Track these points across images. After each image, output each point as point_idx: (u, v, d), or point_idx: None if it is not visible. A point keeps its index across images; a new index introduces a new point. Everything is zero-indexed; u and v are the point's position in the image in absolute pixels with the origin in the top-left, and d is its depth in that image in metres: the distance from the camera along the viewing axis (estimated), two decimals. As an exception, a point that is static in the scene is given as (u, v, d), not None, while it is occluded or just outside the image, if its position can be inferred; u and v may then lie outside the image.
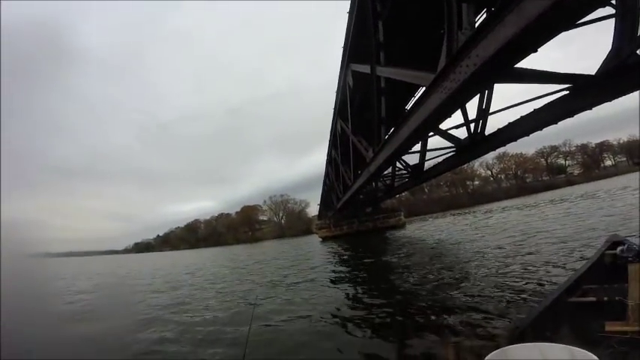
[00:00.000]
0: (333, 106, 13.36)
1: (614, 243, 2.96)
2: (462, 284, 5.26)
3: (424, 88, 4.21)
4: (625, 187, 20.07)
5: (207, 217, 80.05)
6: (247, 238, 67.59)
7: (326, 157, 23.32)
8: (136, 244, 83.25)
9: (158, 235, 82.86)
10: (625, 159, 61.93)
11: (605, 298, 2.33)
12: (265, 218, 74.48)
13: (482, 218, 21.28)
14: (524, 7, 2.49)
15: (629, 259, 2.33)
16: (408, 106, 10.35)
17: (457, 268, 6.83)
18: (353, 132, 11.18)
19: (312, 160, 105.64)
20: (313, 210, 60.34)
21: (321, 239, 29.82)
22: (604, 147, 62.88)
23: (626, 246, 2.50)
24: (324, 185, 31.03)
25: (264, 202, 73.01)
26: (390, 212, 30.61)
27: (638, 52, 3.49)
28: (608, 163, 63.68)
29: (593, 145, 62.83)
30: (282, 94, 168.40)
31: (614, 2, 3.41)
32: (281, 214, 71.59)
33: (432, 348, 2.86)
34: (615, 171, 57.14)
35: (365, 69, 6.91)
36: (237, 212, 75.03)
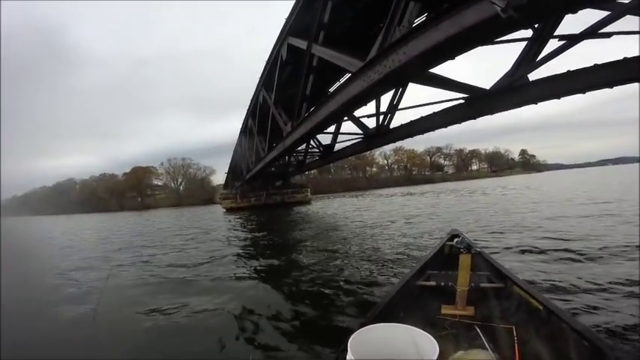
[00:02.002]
0: (260, 75, 12.87)
1: (453, 236, 3.21)
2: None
3: (349, 74, 4.63)
4: (473, 191, 25.97)
5: (86, 177, 65.23)
6: (135, 204, 58.65)
7: (241, 126, 22.31)
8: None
9: (14, 197, 63.28)
10: (486, 166, 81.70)
11: (442, 283, 2.56)
12: (160, 183, 65.41)
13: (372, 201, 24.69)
14: (464, 15, 2.67)
15: (461, 250, 2.57)
16: (331, 89, 10.89)
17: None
18: (274, 104, 11.12)
19: (225, 127, 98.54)
20: (218, 178, 56.77)
21: (225, 210, 28.72)
22: (474, 154, 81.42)
23: (460, 238, 2.75)
24: (234, 154, 29.66)
25: (162, 164, 63.65)
26: (298, 188, 31.40)
27: (528, 75, 4.05)
28: (474, 167, 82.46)
29: (467, 152, 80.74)
30: (206, 53, 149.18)
31: (535, 26, 3.69)
32: (180, 180, 64.14)
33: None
34: (477, 175, 75.41)
35: (302, 44, 6.90)
36: (125, 174, 63.90)
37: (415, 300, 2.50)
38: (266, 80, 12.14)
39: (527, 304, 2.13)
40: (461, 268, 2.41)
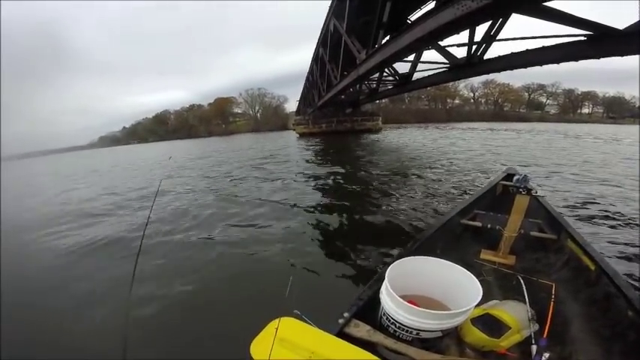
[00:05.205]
0: (330, 3, 11.84)
1: (510, 175, 2.91)
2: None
3: (435, 1, 3.87)
4: (579, 135, 21.15)
5: (178, 109, 73.65)
6: (220, 130, 65.47)
7: (312, 54, 21.46)
8: (101, 137, 75.64)
9: (124, 127, 75.66)
10: (602, 111, 63.51)
11: (489, 225, 2.34)
12: (240, 111, 70.63)
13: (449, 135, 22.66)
14: None
15: (520, 189, 2.23)
16: (413, 17, 9.42)
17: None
18: (347, 32, 10.28)
19: (296, 57, 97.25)
20: (291, 106, 58.42)
21: (298, 135, 30.07)
22: (589, 96, 63.27)
23: (522, 176, 2.36)
24: (306, 82, 29.39)
25: (240, 94, 68.30)
26: (369, 116, 30.62)
27: None
28: (585, 111, 65.09)
29: (579, 92, 62.92)
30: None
31: None
32: (257, 108, 68.40)
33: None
34: (588, 119, 59.60)
35: None
36: (209, 104, 70.09)
37: (456, 239, 2.34)
38: (336, 8, 11.13)
39: (577, 260, 1.88)
40: (515, 211, 2.16)
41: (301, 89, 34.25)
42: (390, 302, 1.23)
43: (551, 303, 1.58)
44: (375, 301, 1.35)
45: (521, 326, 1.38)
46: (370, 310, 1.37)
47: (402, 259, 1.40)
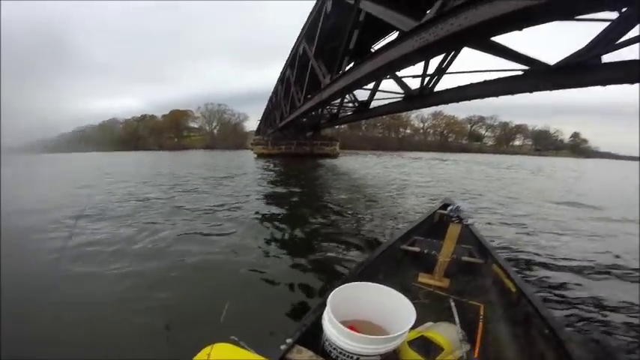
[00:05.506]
0: (302, 26, 12.47)
1: (446, 204, 3.12)
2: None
3: (397, 33, 4.33)
4: (510, 166, 24.86)
5: (129, 117, 67.77)
6: (172, 144, 61.85)
7: (279, 74, 21.97)
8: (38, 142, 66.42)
9: (62, 134, 67.75)
10: (530, 143, 75.13)
11: (425, 251, 2.52)
12: (196, 126, 68.23)
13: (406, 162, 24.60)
14: None
15: (453, 219, 2.37)
16: (376, 46, 10.31)
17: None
18: (315, 56, 10.82)
19: (261, 75, 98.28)
20: (251, 125, 58.01)
21: (256, 155, 29.75)
22: (520, 129, 74.53)
23: (455, 207, 2.50)
24: (269, 101, 29.65)
25: (199, 108, 66.09)
26: (328, 140, 31.47)
27: (602, 57, 3.61)
28: (517, 143, 76.16)
29: (513, 125, 73.82)
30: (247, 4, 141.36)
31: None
32: (215, 124, 66.68)
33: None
34: (519, 150, 69.97)
35: None
36: (164, 115, 66.45)
37: (397, 263, 2.50)
38: (308, 31, 11.73)
39: (501, 282, 2.10)
40: (448, 237, 2.33)
41: (264, 108, 34.38)
42: (331, 328, 1.25)
43: (480, 323, 1.74)
44: (318, 326, 1.36)
45: (453, 347, 1.48)
46: (313, 336, 1.37)
47: (344, 285, 1.45)
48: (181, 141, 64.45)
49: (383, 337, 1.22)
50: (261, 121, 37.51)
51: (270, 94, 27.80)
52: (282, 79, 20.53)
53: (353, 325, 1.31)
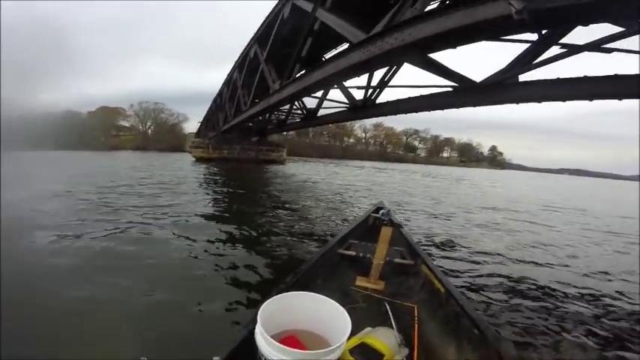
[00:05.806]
0: (256, 30, 12.18)
1: (379, 208, 3.22)
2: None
3: (348, 44, 4.46)
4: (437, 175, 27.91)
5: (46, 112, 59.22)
6: (98, 144, 54.74)
7: (226, 77, 21.03)
8: None
9: None
10: (456, 155, 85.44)
11: (361, 254, 2.54)
12: (127, 125, 61.54)
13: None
14: (479, 9, 2.59)
15: (384, 222, 2.41)
16: (326, 56, 10.54)
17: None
18: (266, 60, 10.64)
19: (209, 77, 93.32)
20: (191, 126, 54.34)
21: (194, 159, 27.72)
22: (448, 142, 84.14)
23: (385, 210, 2.56)
24: (213, 103, 28.14)
25: (132, 106, 59.20)
26: (274, 146, 30.99)
27: (519, 77, 4.09)
28: (446, 155, 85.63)
29: (442, 139, 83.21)
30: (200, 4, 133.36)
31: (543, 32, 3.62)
32: (149, 124, 60.69)
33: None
34: (446, 162, 79.04)
35: (307, 7, 6.52)
36: (90, 112, 58.78)
37: (335, 268, 2.47)
38: (262, 35, 11.53)
39: (431, 283, 2.14)
40: (380, 240, 2.35)
41: (207, 110, 32.49)
42: (264, 343, 1.13)
43: (416, 325, 1.74)
44: (251, 341, 1.23)
45: (393, 352, 1.45)
46: (247, 354, 1.23)
47: (277, 296, 1.34)
48: (109, 141, 57.17)
49: (319, 351, 1.10)
50: (202, 123, 35.39)
51: (215, 95, 26.47)
52: (229, 82, 19.73)
53: (294, 335, 1.22)
